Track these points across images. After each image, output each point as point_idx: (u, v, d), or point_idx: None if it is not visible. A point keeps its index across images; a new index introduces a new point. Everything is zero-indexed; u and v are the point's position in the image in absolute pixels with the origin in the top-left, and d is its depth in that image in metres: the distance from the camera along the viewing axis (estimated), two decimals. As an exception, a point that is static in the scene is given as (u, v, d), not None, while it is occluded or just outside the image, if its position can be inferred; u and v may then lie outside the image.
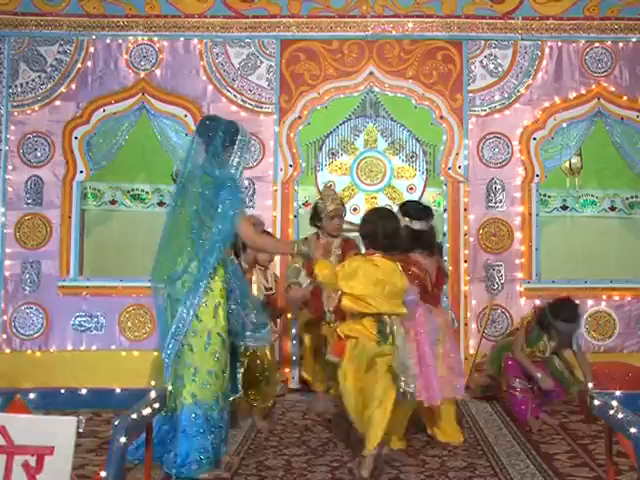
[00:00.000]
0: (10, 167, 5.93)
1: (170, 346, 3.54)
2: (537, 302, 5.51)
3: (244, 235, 3.68)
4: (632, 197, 7.21)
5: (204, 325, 3.54)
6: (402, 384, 3.60)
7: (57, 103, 5.96)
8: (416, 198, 7.39)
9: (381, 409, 3.55)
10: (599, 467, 3.71)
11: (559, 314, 4.61)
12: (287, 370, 5.70)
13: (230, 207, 3.53)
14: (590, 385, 4.54)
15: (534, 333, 4.72)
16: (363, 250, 4.03)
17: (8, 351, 5.82)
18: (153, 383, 4.44)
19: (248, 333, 3.77)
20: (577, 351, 4.78)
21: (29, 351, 5.82)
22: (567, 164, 6.93)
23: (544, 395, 4.71)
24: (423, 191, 7.32)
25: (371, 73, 5.97)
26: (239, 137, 3.68)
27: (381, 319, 3.63)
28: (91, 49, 5.98)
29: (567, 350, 4.84)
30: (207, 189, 3.54)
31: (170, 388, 3.55)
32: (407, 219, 4.15)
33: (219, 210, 3.52)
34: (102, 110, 5.93)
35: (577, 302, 4.82)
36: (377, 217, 3.82)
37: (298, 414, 4.95)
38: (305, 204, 7.49)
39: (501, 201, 5.92)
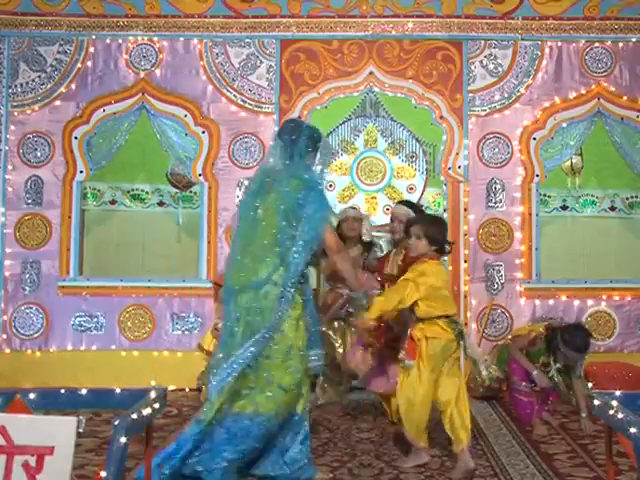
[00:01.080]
0: (10, 167, 5.93)
1: (243, 357, 3.33)
2: (550, 321, 5.23)
3: (328, 244, 3.51)
4: (632, 197, 7.21)
5: (285, 338, 3.39)
6: (482, 370, 3.83)
7: (57, 103, 5.96)
8: (416, 198, 7.40)
9: (462, 405, 3.74)
10: (599, 467, 3.71)
11: (571, 342, 4.43)
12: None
13: (318, 210, 3.41)
14: (584, 415, 4.44)
15: (538, 347, 4.61)
16: None
17: (8, 351, 5.82)
18: (153, 383, 4.44)
19: (312, 352, 3.53)
20: (576, 379, 4.57)
21: (29, 351, 5.82)
22: (568, 164, 6.93)
23: (544, 394, 4.70)
24: (423, 191, 7.30)
25: (371, 73, 5.97)
26: (321, 145, 3.60)
27: (454, 319, 3.82)
28: (91, 49, 5.98)
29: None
30: (295, 190, 3.41)
31: (218, 397, 3.37)
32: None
33: (306, 212, 3.38)
34: (102, 110, 5.93)
35: (589, 330, 4.65)
36: (440, 221, 4.08)
37: (298, 414, 4.95)
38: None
39: (501, 201, 5.92)
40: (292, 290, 3.38)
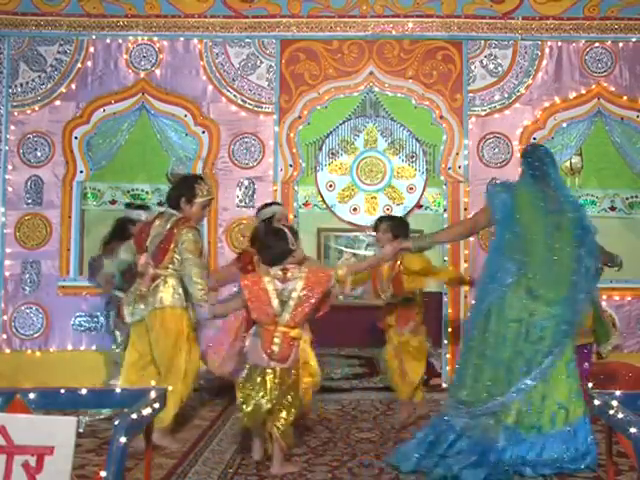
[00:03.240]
0: (10, 167, 5.94)
1: (551, 363, 3.59)
2: None
3: None
4: (632, 197, 7.22)
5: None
6: None
7: (57, 103, 5.96)
8: (416, 198, 7.40)
9: None
10: (599, 467, 3.70)
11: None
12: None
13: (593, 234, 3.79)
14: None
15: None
16: None
17: (8, 351, 5.82)
18: (153, 383, 4.43)
19: None
20: None
21: (29, 351, 5.82)
22: (567, 164, 6.93)
23: None
24: (423, 191, 7.31)
25: (371, 73, 5.97)
26: None
27: None
28: (91, 49, 5.98)
29: None
30: (583, 217, 3.75)
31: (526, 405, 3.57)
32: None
33: (590, 236, 3.73)
34: (102, 110, 5.93)
35: None
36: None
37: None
38: (305, 204, 7.50)
39: (501, 201, 5.90)
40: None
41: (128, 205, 5.68)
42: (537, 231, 3.63)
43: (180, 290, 4.14)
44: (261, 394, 3.60)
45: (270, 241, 3.78)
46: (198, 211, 4.27)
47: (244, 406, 3.64)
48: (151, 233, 4.18)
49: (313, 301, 3.64)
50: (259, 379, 3.63)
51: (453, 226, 4.07)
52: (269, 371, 3.63)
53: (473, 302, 3.95)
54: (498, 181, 4.12)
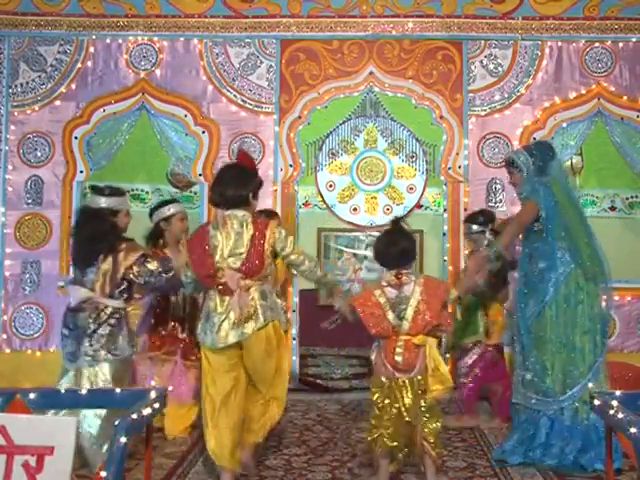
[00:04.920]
0: (10, 167, 5.94)
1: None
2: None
3: None
4: (632, 197, 7.20)
5: None
6: None
7: (57, 103, 5.96)
8: (416, 198, 7.39)
9: None
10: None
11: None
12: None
13: None
14: None
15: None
16: None
17: (8, 351, 5.82)
18: (153, 383, 4.44)
19: None
20: None
21: (29, 351, 5.82)
22: (568, 164, 6.92)
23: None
24: (423, 191, 7.31)
25: (371, 73, 5.97)
26: None
27: None
28: (91, 49, 5.98)
29: None
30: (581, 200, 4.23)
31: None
32: None
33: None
34: (102, 110, 5.93)
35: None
36: None
37: (298, 414, 4.95)
38: (305, 204, 7.51)
39: (501, 201, 5.91)
40: None
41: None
42: (577, 220, 3.96)
43: (276, 299, 3.66)
44: (396, 406, 3.39)
45: (395, 238, 3.47)
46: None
47: (375, 430, 3.41)
48: (217, 244, 3.48)
49: (434, 310, 3.39)
50: (389, 392, 3.42)
51: (509, 228, 4.06)
52: (400, 383, 3.40)
53: (522, 305, 4.05)
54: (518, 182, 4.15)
